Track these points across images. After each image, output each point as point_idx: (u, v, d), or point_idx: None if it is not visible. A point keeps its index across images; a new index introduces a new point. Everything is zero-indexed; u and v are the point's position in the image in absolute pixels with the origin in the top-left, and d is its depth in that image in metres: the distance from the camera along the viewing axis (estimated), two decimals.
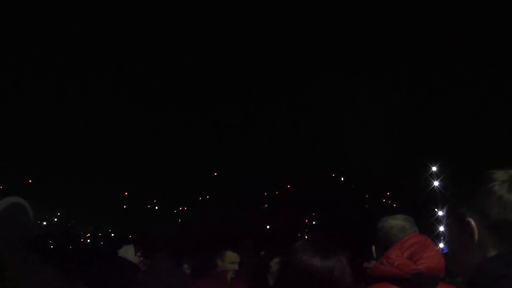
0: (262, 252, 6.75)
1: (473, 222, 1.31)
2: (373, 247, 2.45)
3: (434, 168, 27.90)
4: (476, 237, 1.30)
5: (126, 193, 43.50)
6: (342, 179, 43.58)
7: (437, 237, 19.13)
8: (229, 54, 55.46)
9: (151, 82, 53.28)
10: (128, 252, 6.42)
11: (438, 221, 20.67)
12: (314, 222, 42.86)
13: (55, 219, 45.55)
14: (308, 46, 51.10)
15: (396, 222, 2.40)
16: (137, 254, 6.73)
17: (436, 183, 26.94)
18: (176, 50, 59.69)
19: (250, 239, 6.98)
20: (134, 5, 53.16)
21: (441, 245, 15.44)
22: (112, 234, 39.20)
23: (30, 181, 41.48)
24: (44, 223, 44.85)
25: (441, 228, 19.61)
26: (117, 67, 51.52)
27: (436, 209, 21.98)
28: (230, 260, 4.33)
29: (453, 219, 1.40)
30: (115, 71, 53.58)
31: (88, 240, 35.25)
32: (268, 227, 41.45)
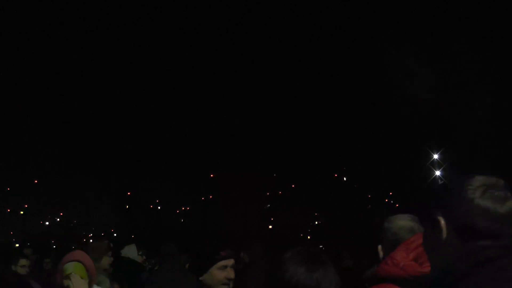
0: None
1: (442, 221, 1.37)
2: (379, 247, 2.42)
3: (435, 157, 27.79)
4: (444, 235, 1.36)
5: (128, 193, 43.58)
6: (345, 179, 43.58)
7: None
8: (232, 52, 55.51)
9: (152, 82, 53.33)
10: (130, 252, 6.43)
11: None
12: (316, 222, 42.89)
13: (58, 219, 45.66)
14: (308, 48, 51.08)
15: (404, 222, 2.38)
16: (139, 253, 6.73)
17: (437, 172, 27.04)
18: (175, 50, 59.75)
19: (257, 240, 6.92)
20: (134, 5, 53.24)
21: None
22: (115, 234, 39.25)
23: (36, 181, 41.60)
24: (47, 223, 44.96)
25: None
26: (117, 67, 51.57)
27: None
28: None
29: (427, 217, 1.46)
30: (116, 71, 53.68)
31: (91, 240, 35.26)
32: (270, 227, 41.47)
